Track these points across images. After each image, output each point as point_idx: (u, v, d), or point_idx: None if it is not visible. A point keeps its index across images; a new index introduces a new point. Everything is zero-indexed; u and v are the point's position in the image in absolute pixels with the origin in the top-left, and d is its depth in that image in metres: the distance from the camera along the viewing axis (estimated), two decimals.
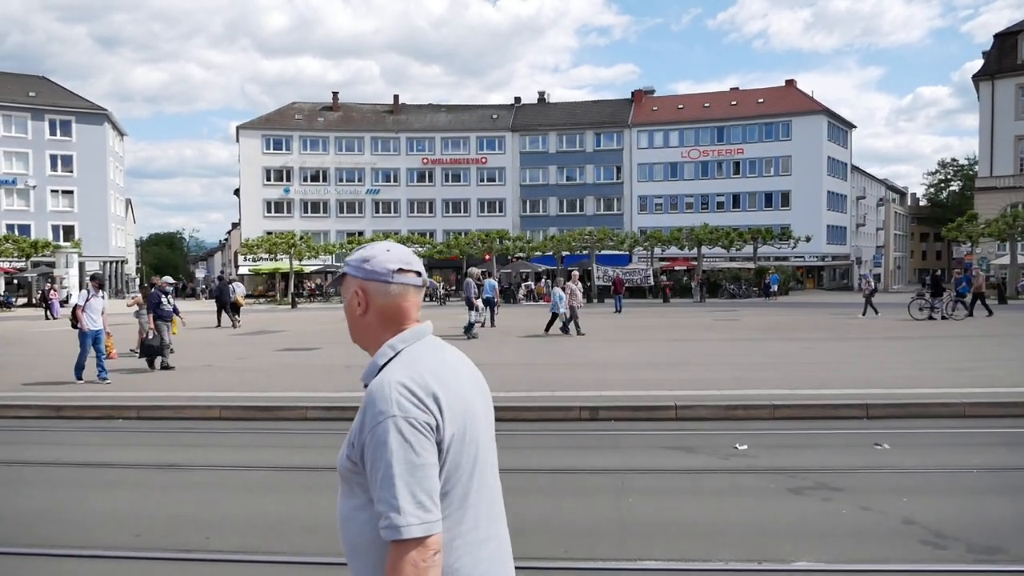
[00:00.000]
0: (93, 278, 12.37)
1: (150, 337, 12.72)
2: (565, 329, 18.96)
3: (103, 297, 11.98)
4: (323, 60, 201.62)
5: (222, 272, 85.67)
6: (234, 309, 25.39)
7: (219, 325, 24.51)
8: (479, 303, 20.42)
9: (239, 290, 27.00)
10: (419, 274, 1.66)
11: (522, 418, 8.52)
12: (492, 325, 22.51)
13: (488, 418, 1.66)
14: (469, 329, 19.04)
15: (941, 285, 24.11)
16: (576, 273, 21.41)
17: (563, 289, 19.21)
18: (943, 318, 22.49)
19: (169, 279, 14.88)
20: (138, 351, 14.13)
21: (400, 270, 1.63)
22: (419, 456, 1.44)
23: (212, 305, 27.77)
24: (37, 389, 10.57)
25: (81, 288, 15.89)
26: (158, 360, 12.77)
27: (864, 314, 24.99)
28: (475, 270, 22.75)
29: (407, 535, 1.40)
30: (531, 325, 23.74)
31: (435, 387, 1.50)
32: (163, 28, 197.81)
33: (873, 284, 27.00)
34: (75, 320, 11.76)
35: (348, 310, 1.68)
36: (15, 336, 22.09)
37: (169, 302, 13.35)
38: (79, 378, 11.10)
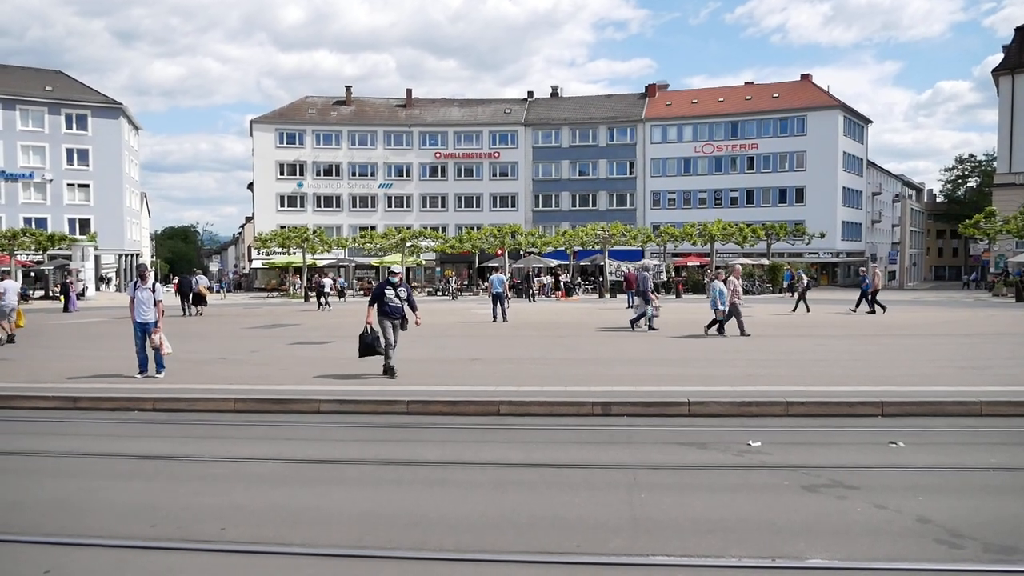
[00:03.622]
0: (137, 269, 11.66)
1: (366, 332, 10.65)
2: (721, 329, 16.90)
3: (152, 288, 11.05)
4: (339, 54, 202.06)
5: (232, 267, 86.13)
6: (198, 300, 28.45)
7: (184, 314, 27.30)
8: (654, 296, 19.33)
9: (203, 282, 30.06)
10: None
11: (534, 412, 8.53)
12: (504, 320, 22.53)
13: None
14: (643, 320, 18.61)
15: None
16: (739, 267, 19.30)
17: (725, 283, 17.03)
18: None
19: (396, 267, 12.16)
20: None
21: None
22: None
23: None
24: (55, 381, 10.68)
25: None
26: (383, 361, 10.78)
27: (795, 310, 25.52)
28: (648, 262, 22.65)
29: None
30: (543, 320, 23.75)
31: None
32: (180, 22, 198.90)
33: (806, 281, 27.25)
34: None
35: None
36: (33, 328, 22.30)
37: (397, 296, 10.85)
38: (143, 372, 10.95)
